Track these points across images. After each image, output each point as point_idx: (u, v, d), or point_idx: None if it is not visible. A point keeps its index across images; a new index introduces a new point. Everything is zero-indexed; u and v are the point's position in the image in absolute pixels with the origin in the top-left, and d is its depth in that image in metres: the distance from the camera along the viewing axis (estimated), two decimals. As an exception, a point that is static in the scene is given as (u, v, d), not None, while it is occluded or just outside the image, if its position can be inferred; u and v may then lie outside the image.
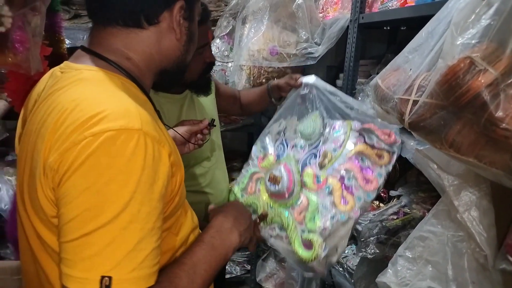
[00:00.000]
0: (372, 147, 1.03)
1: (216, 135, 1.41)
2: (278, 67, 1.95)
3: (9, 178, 1.90)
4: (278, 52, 1.91)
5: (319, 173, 1.04)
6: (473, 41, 0.59)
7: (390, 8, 1.33)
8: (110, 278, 0.53)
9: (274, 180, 1.04)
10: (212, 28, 2.05)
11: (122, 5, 0.66)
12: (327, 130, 1.14)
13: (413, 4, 1.17)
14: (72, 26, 1.89)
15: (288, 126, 1.23)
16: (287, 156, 1.13)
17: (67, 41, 1.37)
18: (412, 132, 0.76)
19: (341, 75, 1.90)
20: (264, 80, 1.98)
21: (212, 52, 1.29)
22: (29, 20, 0.88)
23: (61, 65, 0.71)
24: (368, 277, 1.47)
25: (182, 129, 1.07)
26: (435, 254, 0.82)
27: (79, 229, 0.54)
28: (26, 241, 0.68)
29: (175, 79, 0.82)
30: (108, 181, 0.54)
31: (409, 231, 1.25)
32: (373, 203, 1.51)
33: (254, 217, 1.03)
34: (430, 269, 0.82)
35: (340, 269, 1.75)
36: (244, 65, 1.95)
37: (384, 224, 1.32)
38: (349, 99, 1.13)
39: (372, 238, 1.36)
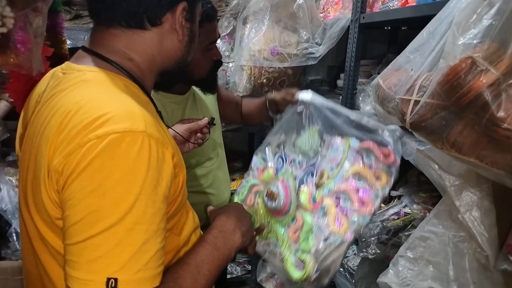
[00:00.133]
0: (370, 167, 1.01)
1: (217, 135, 1.41)
2: (279, 67, 1.95)
3: (10, 178, 1.90)
4: (279, 52, 1.91)
5: (315, 193, 1.03)
6: (474, 41, 0.59)
7: (391, 8, 1.33)
8: (116, 279, 0.53)
9: (271, 196, 1.04)
10: (213, 28, 2.05)
11: (125, 6, 0.67)
12: (325, 147, 1.13)
13: (414, 4, 1.17)
14: (73, 26, 1.89)
15: (287, 139, 1.22)
16: (285, 171, 1.13)
17: (68, 42, 1.37)
18: (414, 132, 0.76)
19: (342, 75, 1.90)
20: (265, 81, 1.98)
21: None
22: (31, 21, 0.88)
23: (63, 65, 0.71)
24: (369, 277, 1.47)
25: (181, 128, 1.07)
26: (436, 255, 0.82)
27: (84, 231, 0.54)
28: (28, 242, 0.69)
29: (176, 79, 0.82)
30: (114, 184, 0.54)
31: (410, 231, 1.25)
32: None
33: None
34: (431, 269, 0.82)
35: (341, 269, 1.75)
36: (245, 65, 1.95)
37: (385, 224, 1.32)
38: (348, 112, 1.10)
39: (373, 238, 1.36)
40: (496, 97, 0.57)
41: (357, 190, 0.98)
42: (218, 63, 1.27)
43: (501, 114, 0.56)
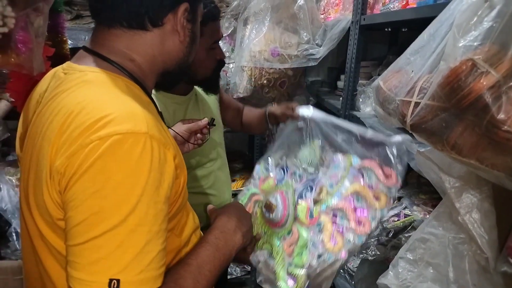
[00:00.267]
0: (370, 187, 0.99)
1: (218, 136, 1.41)
2: (279, 68, 1.95)
3: (10, 178, 1.91)
4: (279, 53, 1.91)
5: (313, 208, 1.03)
6: (475, 43, 0.59)
7: (392, 9, 1.33)
8: (118, 280, 0.54)
9: (269, 207, 1.04)
10: (214, 29, 2.05)
11: (127, 6, 0.66)
12: (326, 162, 1.13)
13: (415, 6, 1.17)
14: (74, 26, 1.89)
15: (289, 152, 1.22)
16: (286, 183, 1.12)
17: (69, 42, 1.37)
18: (414, 134, 0.76)
19: (342, 77, 1.90)
20: (265, 82, 1.98)
21: None
22: (32, 21, 0.88)
23: (64, 65, 0.71)
24: (369, 279, 1.47)
25: (181, 129, 1.07)
26: (436, 256, 0.82)
27: (87, 233, 0.54)
28: (29, 242, 0.69)
29: (177, 79, 0.82)
30: (116, 185, 0.54)
31: (410, 233, 1.25)
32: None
33: None
34: (431, 271, 0.82)
35: (341, 270, 1.75)
36: (245, 66, 1.95)
37: (385, 225, 1.32)
38: (351, 126, 1.08)
39: (372, 240, 1.36)
40: (496, 99, 0.57)
41: (355, 209, 0.97)
42: (221, 62, 1.27)
43: (501, 116, 0.56)
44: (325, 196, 1.03)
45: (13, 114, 1.81)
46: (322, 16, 2.09)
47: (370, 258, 1.34)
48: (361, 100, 1.62)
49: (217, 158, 1.38)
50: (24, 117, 0.77)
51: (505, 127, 0.56)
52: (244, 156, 2.84)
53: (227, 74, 2.13)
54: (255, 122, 1.50)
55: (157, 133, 0.59)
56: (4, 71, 1.63)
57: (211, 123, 1.11)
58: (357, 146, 1.07)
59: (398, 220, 1.31)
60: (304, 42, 1.93)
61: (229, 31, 2.08)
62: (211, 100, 1.41)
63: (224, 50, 2.14)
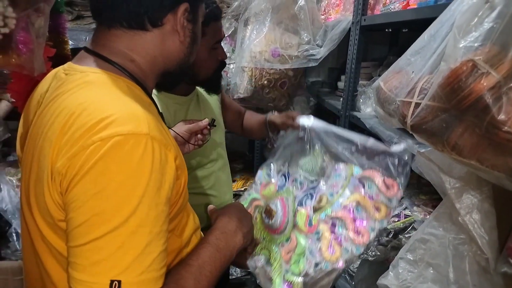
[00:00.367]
0: (371, 197, 0.99)
1: (219, 136, 1.41)
2: (280, 69, 1.95)
3: (11, 178, 1.91)
4: (280, 54, 1.91)
5: (312, 216, 1.03)
6: (475, 44, 0.60)
7: (392, 10, 1.33)
8: (119, 282, 0.54)
9: (269, 213, 1.04)
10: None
11: (126, 6, 0.66)
12: (328, 171, 1.12)
13: (415, 6, 1.17)
14: (75, 27, 1.89)
15: (292, 158, 1.21)
16: (286, 190, 1.12)
17: (70, 42, 1.37)
18: (414, 135, 0.76)
19: (342, 77, 1.91)
20: (265, 82, 1.98)
21: None
22: (33, 21, 0.88)
23: (65, 66, 0.71)
24: (369, 279, 1.47)
25: (182, 129, 1.07)
26: (436, 257, 0.82)
27: (88, 234, 0.54)
28: (30, 243, 0.69)
29: (178, 80, 0.82)
30: (117, 186, 0.55)
31: (410, 234, 1.25)
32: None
33: None
34: (431, 271, 0.82)
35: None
36: (246, 67, 1.95)
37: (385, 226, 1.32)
38: (352, 135, 1.07)
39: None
40: (496, 100, 0.57)
41: (354, 219, 0.97)
42: (223, 63, 1.27)
43: (501, 117, 0.56)
44: (325, 205, 1.03)
45: (14, 115, 1.81)
46: (322, 16, 2.09)
47: (370, 258, 1.34)
48: (361, 100, 1.62)
49: (218, 158, 1.38)
50: (25, 118, 0.77)
51: (506, 127, 0.56)
52: (244, 157, 2.84)
53: (228, 75, 2.13)
54: (255, 128, 1.50)
55: (158, 134, 0.60)
56: (5, 72, 1.63)
57: (212, 123, 1.11)
58: (358, 156, 1.06)
59: (398, 220, 1.31)
60: (305, 42, 1.93)
61: (230, 32, 2.09)
62: (213, 101, 1.41)
63: (224, 50, 2.15)
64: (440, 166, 0.80)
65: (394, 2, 1.32)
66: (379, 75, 1.29)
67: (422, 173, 0.98)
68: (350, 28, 1.65)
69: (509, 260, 0.69)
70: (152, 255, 0.57)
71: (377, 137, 1.31)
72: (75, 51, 0.76)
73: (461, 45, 0.61)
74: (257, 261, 0.98)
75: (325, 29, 1.91)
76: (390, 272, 0.91)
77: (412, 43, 0.81)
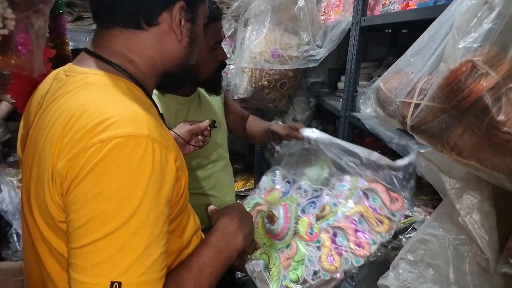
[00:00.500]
0: (374, 210, 0.98)
1: (222, 137, 1.40)
2: (279, 70, 1.96)
3: (11, 179, 1.91)
4: (280, 54, 1.91)
5: (314, 225, 1.02)
6: (475, 45, 0.59)
7: (392, 11, 1.33)
8: (119, 283, 0.54)
9: (271, 219, 1.04)
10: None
11: (121, 6, 0.67)
12: (332, 180, 1.11)
13: (415, 7, 1.17)
14: (75, 28, 1.90)
15: (298, 166, 1.21)
16: (290, 197, 1.12)
17: (70, 43, 1.38)
18: (414, 135, 0.76)
19: (342, 78, 1.91)
20: (265, 83, 1.98)
21: None
22: (32, 23, 0.88)
23: (65, 67, 0.71)
24: (369, 280, 1.47)
25: (183, 130, 1.07)
26: (436, 257, 0.82)
27: (89, 235, 0.54)
28: (30, 244, 0.69)
29: (180, 82, 0.82)
30: (117, 188, 0.55)
31: (410, 234, 1.25)
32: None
33: None
34: (432, 272, 0.82)
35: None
36: (246, 68, 1.95)
37: (385, 227, 1.31)
38: (356, 149, 1.07)
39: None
40: (496, 100, 0.57)
41: (356, 231, 0.97)
42: (223, 63, 1.27)
43: (501, 117, 0.56)
44: (328, 214, 1.03)
45: (14, 115, 1.82)
46: (322, 17, 2.09)
47: (370, 259, 1.33)
48: (361, 101, 1.63)
49: (219, 159, 1.38)
50: (26, 119, 0.77)
51: (505, 128, 0.56)
52: (244, 158, 2.84)
53: (228, 75, 2.13)
54: (257, 135, 1.50)
55: (158, 135, 0.60)
56: (5, 73, 1.64)
57: (213, 125, 1.11)
58: (363, 169, 1.06)
59: (398, 221, 1.31)
60: (305, 43, 1.93)
61: (230, 33, 2.09)
62: (215, 102, 1.41)
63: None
64: (440, 166, 0.80)
65: (394, 2, 1.32)
66: (379, 76, 1.29)
67: (422, 173, 0.98)
68: (349, 29, 1.65)
69: (509, 261, 0.69)
70: (152, 257, 0.57)
71: (377, 138, 1.31)
72: (75, 52, 0.77)
73: (460, 46, 0.61)
74: (255, 266, 0.97)
75: (324, 29, 1.91)
76: (391, 273, 0.91)
77: (412, 44, 0.81)
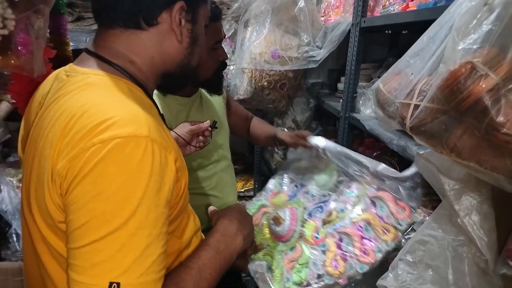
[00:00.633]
0: (381, 219, 0.99)
1: (223, 138, 1.40)
2: (279, 70, 1.96)
3: (11, 179, 1.91)
4: (280, 55, 1.91)
5: (320, 229, 1.02)
6: (474, 46, 0.60)
7: (392, 12, 1.33)
8: (118, 284, 0.54)
9: (277, 220, 1.04)
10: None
11: (121, 6, 0.67)
12: (341, 187, 1.12)
13: (415, 8, 1.17)
14: (75, 28, 1.90)
15: (306, 171, 1.22)
16: (297, 201, 1.13)
17: (70, 44, 1.38)
18: (413, 137, 0.76)
19: (342, 79, 1.91)
20: (265, 83, 1.98)
21: None
22: (32, 23, 0.89)
23: (66, 67, 0.72)
24: (368, 280, 1.46)
25: (183, 131, 1.07)
26: (435, 258, 0.82)
27: (88, 236, 0.55)
28: (30, 244, 0.69)
29: (181, 83, 0.82)
30: (117, 188, 0.55)
31: (409, 235, 1.25)
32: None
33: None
34: (431, 273, 0.82)
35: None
36: (246, 68, 1.96)
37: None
38: (361, 158, 1.08)
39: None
40: (495, 102, 0.57)
41: (362, 237, 0.97)
42: (224, 63, 1.27)
43: (500, 119, 0.56)
44: (335, 219, 1.03)
45: (14, 115, 1.82)
46: (322, 18, 2.10)
47: (374, 266, 1.33)
48: (361, 102, 1.63)
49: (221, 160, 1.37)
50: (26, 119, 0.77)
51: (504, 129, 0.56)
52: (244, 158, 2.84)
53: (228, 76, 2.14)
54: (262, 138, 1.51)
55: (158, 136, 0.60)
56: (6, 73, 1.64)
57: (213, 125, 1.11)
58: (370, 178, 1.06)
59: (398, 222, 1.31)
60: (305, 44, 1.93)
61: (230, 33, 2.09)
62: (217, 102, 1.41)
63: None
64: (439, 167, 0.80)
65: (394, 4, 1.32)
66: (379, 77, 1.29)
67: (421, 174, 0.98)
68: (349, 30, 1.65)
69: (508, 262, 0.69)
70: (151, 257, 0.57)
71: (377, 139, 1.31)
72: (76, 52, 0.77)
73: (460, 47, 0.61)
74: (258, 266, 0.98)
75: (325, 30, 1.92)
76: (390, 274, 0.91)
77: (412, 45, 0.81)
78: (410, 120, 0.72)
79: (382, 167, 1.04)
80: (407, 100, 0.74)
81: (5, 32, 0.81)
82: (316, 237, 1.01)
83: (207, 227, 0.90)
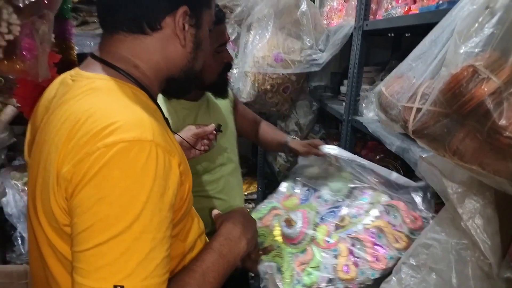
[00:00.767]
0: (394, 227, 0.99)
1: (229, 141, 1.39)
2: (282, 74, 1.96)
3: (16, 182, 1.92)
4: (282, 58, 1.92)
5: (332, 233, 1.02)
6: (476, 50, 0.60)
7: (394, 15, 1.34)
8: (122, 287, 0.54)
9: (289, 223, 1.04)
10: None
11: (125, 11, 0.67)
12: (355, 193, 1.12)
13: (417, 12, 1.17)
14: (80, 32, 1.92)
15: (320, 176, 1.22)
16: (309, 204, 1.13)
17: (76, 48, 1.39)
18: (416, 140, 0.76)
19: (345, 82, 1.91)
20: (268, 87, 1.98)
21: None
22: (37, 28, 0.89)
23: (71, 72, 0.72)
24: (372, 285, 1.46)
25: (188, 134, 1.08)
26: (439, 262, 0.81)
27: (92, 239, 0.55)
28: (36, 247, 0.69)
29: (185, 87, 0.82)
30: (121, 192, 0.55)
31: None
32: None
33: (259, 247, 1.04)
34: (434, 277, 0.82)
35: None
36: (249, 72, 1.96)
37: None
38: (374, 166, 1.08)
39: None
40: (497, 105, 0.57)
41: (375, 244, 0.97)
42: (228, 65, 1.27)
43: (502, 122, 0.56)
44: (347, 224, 1.03)
45: (19, 119, 1.83)
46: (325, 22, 2.10)
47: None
48: (364, 105, 1.63)
49: (227, 163, 1.37)
50: (33, 124, 0.78)
51: (507, 133, 0.56)
52: (247, 161, 2.85)
53: (231, 80, 2.14)
54: (272, 145, 1.51)
55: (162, 140, 0.60)
56: (11, 77, 1.65)
57: (218, 129, 1.11)
58: (382, 187, 1.07)
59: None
60: (307, 47, 1.94)
61: (233, 37, 2.10)
62: (224, 105, 1.41)
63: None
64: (442, 171, 0.80)
65: (396, 7, 1.33)
66: (382, 80, 1.29)
67: (424, 178, 0.98)
68: (352, 33, 1.65)
69: (512, 266, 0.69)
70: (155, 261, 0.57)
71: (380, 142, 1.31)
72: (80, 56, 0.78)
73: (461, 51, 0.61)
74: (268, 268, 0.98)
75: (327, 34, 1.92)
76: (393, 277, 0.90)
77: (414, 47, 0.81)
78: (412, 123, 0.72)
79: (395, 176, 1.05)
80: (409, 103, 0.74)
81: (11, 37, 0.82)
82: (328, 241, 1.01)
83: (212, 230, 0.90)
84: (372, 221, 1.02)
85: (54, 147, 0.61)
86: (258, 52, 1.92)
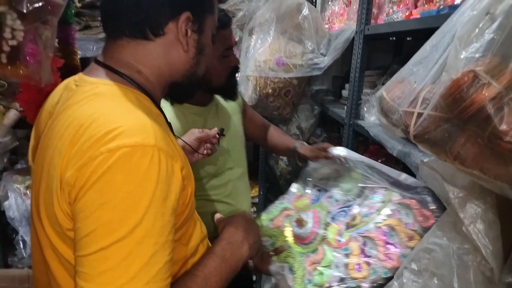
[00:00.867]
0: (406, 225, 0.98)
1: (238, 145, 1.39)
2: (284, 78, 1.97)
3: (18, 186, 1.93)
4: (284, 62, 1.92)
5: (344, 232, 1.02)
6: (476, 55, 0.60)
7: (395, 20, 1.34)
8: None
9: (300, 223, 1.04)
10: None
11: (128, 16, 0.68)
12: (366, 192, 1.12)
13: (418, 16, 1.18)
14: (83, 37, 1.93)
15: (330, 176, 1.22)
16: (320, 204, 1.13)
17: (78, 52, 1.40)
18: (417, 144, 0.77)
19: (346, 85, 1.91)
20: (270, 91, 1.99)
21: None
22: (40, 33, 0.90)
23: (75, 77, 0.73)
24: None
25: (191, 138, 1.08)
26: (440, 267, 0.81)
27: (95, 244, 0.55)
28: (39, 251, 0.70)
29: (186, 92, 0.82)
30: (124, 197, 0.56)
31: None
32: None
33: (270, 248, 1.05)
34: (436, 282, 0.82)
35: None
36: (250, 76, 1.97)
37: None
38: (383, 167, 1.08)
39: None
40: (498, 110, 0.57)
41: (386, 243, 0.97)
42: (236, 68, 1.27)
43: (503, 127, 0.56)
44: (359, 223, 1.03)
45: (22, 123, 1.84)
46: (326, 26, 2.11)
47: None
48: (365, 109, 1.63)
49: (235, 167, 1.37)
50: (36, 129, 0.78)
51: (507, 138, 0.56)
52: (249, 164, 2.84)
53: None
54: (281, 150, 1.53)
55: (165, 145, 0.60)
56: (14, 82, 1.66)
57: (221, 132, 1.11)
58: (393, 187, 1.07)
59: (403, 229, 1.31)
60: (309, 51, 1.94)
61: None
62: (232, 109, 1.41)
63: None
64: (444, 175, 0.80)
65: (397, 12, 1.33)
66: (383, 84, 1.29)
67: (426, 182, 0.98)
68: (353, 37, 1.66)
69: (514, 270, 0.68)
70: (158, 265, 0.57)
71: (381, 146, 1.31)
72: (83, 60, 0.78)
73: (462, 56, 0.61)
74: (279, 268, 0.98)
75: (329, 38, 1.92)
76: (395, 282, 0.90)
77: (416, 52, 0.82)
78: (413, 128, 0.72)
79: (404, 176, 1.04)
80: (410, 108, 0.75)
81: (14, 42, 0.83)
82: (339, 241, 1.01)
83: (214, 236, 0.90)
84: (384, 219, 1.01)
85: (57, 152, 0.61)
86: (260, 56, 1.93)
